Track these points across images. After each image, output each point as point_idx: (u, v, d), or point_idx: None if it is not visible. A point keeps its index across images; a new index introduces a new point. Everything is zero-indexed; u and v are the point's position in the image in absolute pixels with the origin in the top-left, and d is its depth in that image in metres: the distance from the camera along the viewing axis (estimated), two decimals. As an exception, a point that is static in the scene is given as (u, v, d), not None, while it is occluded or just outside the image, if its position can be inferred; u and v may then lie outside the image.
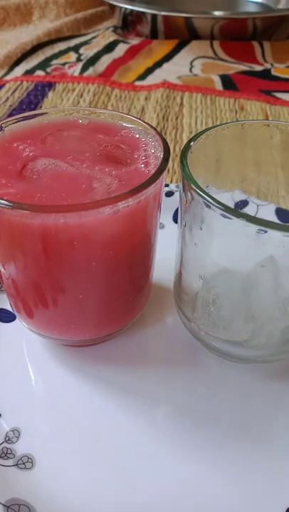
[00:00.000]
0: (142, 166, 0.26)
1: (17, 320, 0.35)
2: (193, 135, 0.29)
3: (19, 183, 0.25)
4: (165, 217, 0.45)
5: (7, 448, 0.28)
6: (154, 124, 0.63)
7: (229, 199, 0.36)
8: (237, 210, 0.22)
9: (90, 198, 0.23)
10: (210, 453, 0.29)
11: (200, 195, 0.23)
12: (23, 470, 0.27)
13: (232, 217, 0.22)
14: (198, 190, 0.23)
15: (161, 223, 0.45)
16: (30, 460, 0.28)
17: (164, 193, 0.46)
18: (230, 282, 0.28)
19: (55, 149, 0.27)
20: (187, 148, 0.27)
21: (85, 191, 0.24)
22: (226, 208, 0.22)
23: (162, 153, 0.26)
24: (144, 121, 0.29)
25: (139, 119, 0.29)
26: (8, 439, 0.29)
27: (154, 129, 0.28)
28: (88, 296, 0.28)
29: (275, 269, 0.25)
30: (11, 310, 0.34)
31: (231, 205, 0.36)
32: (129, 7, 0.90)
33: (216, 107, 0.68)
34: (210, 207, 0.23)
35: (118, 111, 0.31)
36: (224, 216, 0.22)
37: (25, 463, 0.27)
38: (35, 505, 0.25)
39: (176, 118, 0.65)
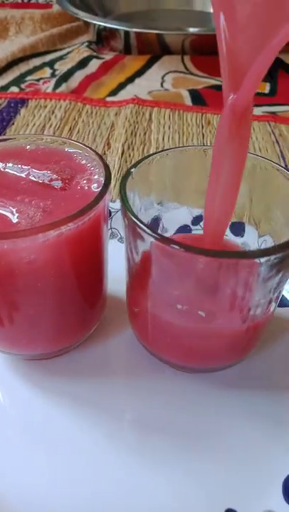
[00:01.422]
0: (85, 190, 0.28)
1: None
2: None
3: None
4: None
5: None
6: (122, 140, 0.65)
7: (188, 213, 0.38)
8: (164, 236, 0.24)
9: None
10: (161, 458, 0.30)
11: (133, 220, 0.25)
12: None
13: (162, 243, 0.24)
14: (131, 216, 0.25)
15: (123, 237, 0.48)
16: (-15, 471, 0.29)
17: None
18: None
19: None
20: (127, 174, 0.29)
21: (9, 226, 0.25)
22: (155, 233, 0.24)
23: (103, 180, 0.28)
24: (89, 148, 0.31)
25: (85, 145, 0.31)
26: None
27: (98, 154, 0.30)
28: (38, 314, 0.30)
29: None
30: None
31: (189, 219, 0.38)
32: (102, 24, 0.92)
33: (183, 122, 0.71)
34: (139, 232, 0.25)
35: (76, 127, 0.33)
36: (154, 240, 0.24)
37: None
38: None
39: (145, 133, 0.68)
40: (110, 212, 0.47)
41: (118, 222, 0.46)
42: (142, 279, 0.30)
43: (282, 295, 0.39)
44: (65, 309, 0.30)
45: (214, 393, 0.34)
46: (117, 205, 0.48)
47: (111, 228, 0.47)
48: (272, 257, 0.24)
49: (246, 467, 0.30)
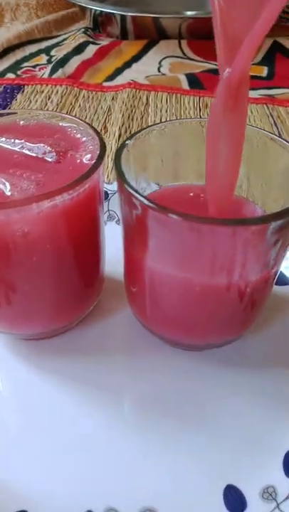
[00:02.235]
0: (80, 163, 0.28)
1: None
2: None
3: None
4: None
5: None
6: (119, 124, 0.65)
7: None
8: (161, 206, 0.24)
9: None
10: (160, 435, 0.30)
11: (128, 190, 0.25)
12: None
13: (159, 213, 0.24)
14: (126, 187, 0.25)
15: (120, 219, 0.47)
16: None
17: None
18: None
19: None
20: (122, 146, 0.28)
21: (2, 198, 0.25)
22: (150, 202, 0.24)
23: (98, 152, 0.28)
24: (84, 121, 0.31)
25: (80, 119, 0.31)
26: None
27: (92, 127, 0.30)
28: (34, 290, 0.29)
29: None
30: None
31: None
32: (98, 8, 0.91)
33: (180, 105, 0.70)
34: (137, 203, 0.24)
35: (72, 112, 0.32)
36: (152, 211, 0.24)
37: (-21, 453, 0.29)
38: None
39: (142, 117, 0.67)
40: (107, 194, 0.47)
41: (115, 205, 0.46)
42: (139, 254, 0.29)
43: (281, 272, 0.39)
44: (61, 286, 0.30)
45: (212, 370, 0.34)
46: (114, 186, 0.47)
47: (108, 210, 0.46)
48: (271, 225, 0.23)
49: (245, 443, 0.30)
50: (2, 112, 0.32)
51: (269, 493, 0.27)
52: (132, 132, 0.63)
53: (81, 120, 0.31)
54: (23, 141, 0.29)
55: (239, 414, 0.31)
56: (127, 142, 0.29)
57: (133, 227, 0.28)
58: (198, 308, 0.31)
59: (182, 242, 0.26)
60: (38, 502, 0.27)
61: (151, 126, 0.31)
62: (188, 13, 0.88)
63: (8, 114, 0.32)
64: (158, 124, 0.32)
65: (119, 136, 0.62)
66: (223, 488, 0.28)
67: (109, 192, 0.47)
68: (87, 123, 0.31)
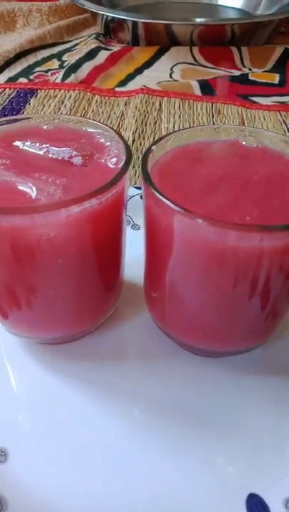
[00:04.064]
0: (106, 167, 0.28)
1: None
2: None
3: None
4: (140, 218, 0.46)
5: (-19, 442, 0.29)
6: (132, 129, 0.65)
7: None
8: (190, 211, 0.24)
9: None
10: (181, 443, 0.30)
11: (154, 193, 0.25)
12: (-3, 463, 0.28)
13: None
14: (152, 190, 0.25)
15: (136, 225, 0.47)
16: (3, 453, 0.29)
17: (139, 196, 0.48)
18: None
19: (12, 158, 0.28)
20: (148, 151, 0.28)
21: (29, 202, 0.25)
22: (180, 207, 0.24)
23: (124, 157, 0.28)
24: (110, 127, 0.31)
25: (106, 124, 0.31)
26: (-17, 434, 0.30)
27: (118, 133, 0.30)
28: (58, 294, 0.29)
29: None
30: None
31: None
32: (110, 14, 0.92)
33: (193, 111, 0.70)
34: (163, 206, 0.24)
35: (85, 116, 0.32)
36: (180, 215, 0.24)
37: (-1, 456, 0.29)
38: (6, 496, 0.26)
39: (155, 123, 0.67)
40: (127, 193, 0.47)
41: (131, 209, 0.46)
42: (162, 259, 0.29)
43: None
44: (84, 289, 0.30)
45: (232, 378, 0.34)
46: (130, 191, 0.47)
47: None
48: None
49: (268, 452, 0.30)
50: (27, 116, 0.32)
51: (292, 503, 0.27)
52: (146, 137, 0.63)
53: (105, 125, 0.31)
54: (48, 145, 0.29)
55: (260, 423, 0.31)
56: (152, 147, 0.29)
57: (157, 231, 0.28)
58: (220, 315, 0.30)
59: (209, 247, 0.25)
60: (61, 507, 0.26)
61: (173, 132, 0.31)
62: (200, 20, 0.89)
63: (26, 118, 0.32)
64: (179, 130, 0.32)
65: (133, 141, 0.62)
66: (245, 497, 0.27)
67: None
68: (111, 127, 0.31)
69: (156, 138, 0.63)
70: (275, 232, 0.24)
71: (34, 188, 0.26)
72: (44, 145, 0.29)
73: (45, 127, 0.32)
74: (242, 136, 0.32)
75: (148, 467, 0.29)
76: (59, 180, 0.26)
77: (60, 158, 0.28)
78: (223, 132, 0.33)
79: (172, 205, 0.24)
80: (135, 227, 0.46)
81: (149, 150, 0.28)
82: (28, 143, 0.30)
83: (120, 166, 0.27)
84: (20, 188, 0.26)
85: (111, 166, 0.28)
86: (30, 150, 0.29)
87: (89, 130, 0.32)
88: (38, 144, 0.29)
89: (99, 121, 0.31)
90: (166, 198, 0.25)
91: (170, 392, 0.33)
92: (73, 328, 0.33)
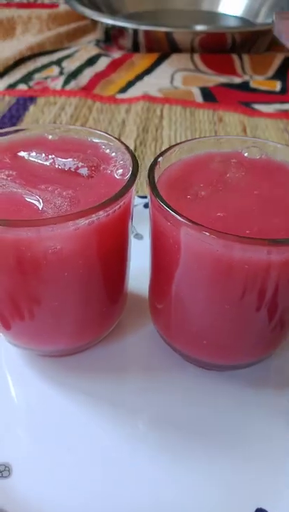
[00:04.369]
0: (112, 178, 0.28)
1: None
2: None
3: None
4: (143, 228, 0.46)
5: (-16, 458, 0.29)
6: (134, 137, 0.65)
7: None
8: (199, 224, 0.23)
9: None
10: (185, 458, 0.29)
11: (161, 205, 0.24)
12: (0, 478, 0.28)
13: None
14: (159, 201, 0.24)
15: (139, 234, 0.47)
16: (7, 469, 0.28)
17: (142, 205, 0.48)
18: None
19: (18, 169, 0.28)
20: (154, 164, 0.28)
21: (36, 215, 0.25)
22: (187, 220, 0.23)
23: (131, 169, 0.27)
24: (115, 138, 0.30)
25: (111, 135, 0.31)
26: (-15, 449, 0.29)
27: (124, 144, 0.29)
28: (62, 306, 0.29)
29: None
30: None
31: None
32: (111, 22, 0.92)
33: (195, 118, 0.70)
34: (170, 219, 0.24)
35: (91, 127, 0.32)
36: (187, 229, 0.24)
37: (2, 471, 0.28)
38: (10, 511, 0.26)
39: (156, 130, 0.67)
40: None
41: (134, 218, 0.46)
42: (168, 270, 0.29)
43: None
44: (88, 303, 0.30)
45: (237, 391, 0.33)
46: (135, 200, 0.47)
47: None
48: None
49: (274, 466, 0.29)
50: (32, 126, 0.32)
51: (300, 518, 0.27)
52: (147, 145, 0.63)
53: (110, 135, 0.31)
54: (53, 155, 0.29)
55: (265, 437, 0.31)
56: (159, 159, 0.28)
57: (164, 242, 0.28)
58: (226, 327, 0.30)
59: (215, 259, 0.25)
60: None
61: (179, 143, 0.31)
62: (200, 27, 0.89)
63: (30, 128, 0.32)
64: (185, 141, 0.32)
65: (135, 148, 0.62)
66: (253, 511, 0.27)
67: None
68: (116, 138, 0.30)
69: (158, 145, 0.64)
70: (283, 245, 0.24)
71: (41, 200, 0.25)
72: (50, 155, 0.29)
73: (50, 137, 0.32)
74: (245, 147, 0.32)
75: (151, 482, 0.28)
76: (65, 191, 0.26)
77: (66, 169, 0.28)
78: (227, 143, 0.33)
79: (180, 218, 0.24)
80: (138, 236, 0.46)
81: (155, 162, 0.28)
82: (34, 153, 0.29)
83: (127, 177, 0.27)
84: (26, 199, 0.25)
85: (117, 177, 0.28)
86: (36, 161, 0.29)
87: (94, 140, 0.31)
88: (43, 155, 0.29)
89: (105, 132, 0.31)
90: (174, 211, 0.24)
91: (174, 406, 0.32)
92: (76, 341, 0.32)
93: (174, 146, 0.31)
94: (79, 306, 0.29)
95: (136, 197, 0.48)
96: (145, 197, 0.48)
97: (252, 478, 0.28)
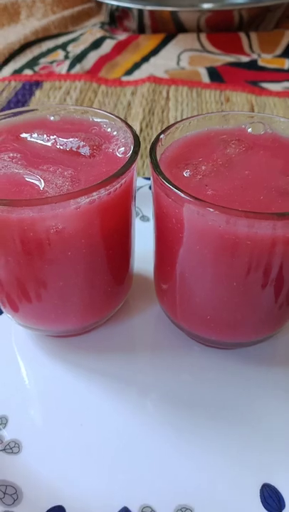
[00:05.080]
0: (114, 157, 0.27)
1: (4, 314, 0.36)
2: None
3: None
4: (149, 210, 0.46)
5: (-5, 434, 0.29)
6: (140, 119, 0.64)
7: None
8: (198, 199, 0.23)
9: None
10: (194, 434, 0.30)
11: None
12: (11, 454, 0.28)
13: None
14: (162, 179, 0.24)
15: (145, 216, 0.47)
16: (17, 445, 0.29)
17: (148, 187, 0.48)
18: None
19: (20, 150, 0.28)
20: (156, 141, 0.28)
21: (37, 194, 0.25)
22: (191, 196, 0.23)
23: (132, 147, 0.27)
24: (117, 116, 0.30)
25: (112, 113, 0.30)
26: (-4, 427, 0.30)
27: (126, 122, 0.29)
28: (68, 286, 0.29)
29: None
30: (-2, 304, 0.36)
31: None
32: (115, 3, 0.90)
33: (201, 99, 0.69)
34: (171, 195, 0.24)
35: (92, 106, 0.32)
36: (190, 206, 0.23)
37: (13, 448, 0.29)
38: (21, 486, 0.27)
39: (162, 112, 0.66)
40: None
41: (140, 200, 0.45)
42: (173, 250, 0.29)
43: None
44: (94, 282, 0.30)
45: (244, 369, 0.33)
46: (139, 182, 0.47)
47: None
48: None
49: (281, 442, 0.29)
50: (33, 107, 0.31)
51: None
52: (153, 127, 0.62)
53: (111, 114, 0.31)
54: (55, 136, 0.29)
55: (272, 413, 0.31)
56: (161, 136, 0.28)
57: (167, 221, 0.28)
58: (232, 305, 0.30)
59: (220, 235, 0.25)
60: (74, 498, 0.26)
61: (181, 121, 0.31)
62: (207, 5, 0.87)
63: (32, 110, 0.32)
64: (186, 119, 0.31)
65: (141, 130, 0.62)
66: (259, 486, 0.27)
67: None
68: (117, 117, 0.30)
69: (164, 127, 0.63)
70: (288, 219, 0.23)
71: (42, 180, 0.25)
72: (51, 136, 0.29)
73: (52, 118, 0.31)
74: (250, 122, 0.32)
75: (159, 457, 0.28)
76: (67, 171, 0.26)
77: (68, 149, 0.28)
78: (232, 119, 0.32)
79: (182, 194, 0.24)
80: (144, 218, 0.46)
81: (157, 139, 0.28)
82: (36, 134, 0.29)
83: (128, 155, 0.27)
84: (28, 179, 0.25)
85: (119, 155, 0.28)
86: (38, 141, 0.29)
87: (96, 120, 0.31)
88: (45, 135, 0.29)
89: (105, 111, 0.31)
90: (175, 187, 0.24)
91: (181, 383, 0.32)
92: (83, 320, 0.33)
93: (176, 123, 0.30)
94: (84, 286, 0.30)
95: (141, 179, 0.48)
96: (149, 178, 0.48)
97: (258, 454, 0.29)
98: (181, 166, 0.27)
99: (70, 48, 0.90)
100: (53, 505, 0.26)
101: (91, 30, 0.95)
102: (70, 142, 0.28)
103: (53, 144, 0.29)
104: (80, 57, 0.83)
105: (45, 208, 0.23)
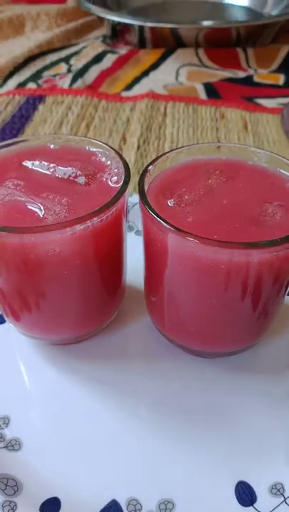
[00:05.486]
0: (107, 186, 0.31)
1: (7, 322, 0.39)
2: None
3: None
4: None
5: (-2, 433, 0.33)
6: (137, 135, 0.67)
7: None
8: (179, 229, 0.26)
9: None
10: (178, 436, 0.33)
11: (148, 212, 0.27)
12: (12, 451, 0.32)
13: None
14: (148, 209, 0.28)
15: (140, 231, 0.50)
16: (18, 443, 0.32)
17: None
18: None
19: (23, 178, 0.31)
20: (144, 171, 0.31)
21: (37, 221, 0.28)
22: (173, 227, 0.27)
23: (123, 177, 0.30)
24: (110, 147, 0.33)
25: (106, 143, 0.34)
26: (-1, 426, 0.33)
27: (118, 153, 0.32)
28: (64, 300, 0.32)
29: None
30: (1, 313, 0.39)
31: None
32: (116, 19, 0.93)
33: (197, 115, 0.72)
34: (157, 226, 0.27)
35: (89, 137, 0.35)
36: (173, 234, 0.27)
37: (14, 445, 0.32)
38: (20, 479, 0.30)
39: (160, 128, 0.69)
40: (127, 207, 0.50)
41: (135, 216, 0.49)
42: (159, 269, 0.32)
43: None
44: (88, 296, 0.33)
45: (225, 376, 0.36)
46: (134, 199, 0.50)
47: (128, 222, 0.49)
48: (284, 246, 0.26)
49: (256, 444, 0.32)
50: (32, 137, 0.35)
51: (277, 489, 0.30)
52: (150, 143, 0.66)
53: (106, 144, 0.34)
54: (54, 164, 0.32)
55: (249, 417, 0.34)
56: (149, 168, 0.31)
57: (154, 245, 0.31)
58: (214, 319, 0.33)
59: (199, 261, 0.28)
60: (68, 490, 0.30)
61: (168, 152, 0.34)
62: (206, 23, 0.90)
63: (31, 139, 0.35)
64: (174, 150, 0.34)
65: (138, 147, 0.65)
66: (235, 483, 0.30)
67: (129, 204, 0.49)
68: (111, 147, 0.33)
69: (160, 143, 0.66)
70: (260, 247, 0.26)
71: (42, 207, 0.29)
72: (51, 164, 0.32)
73: (52, 146, 0.35)
74: (235, 152, 0.35)
75: (146, 455, 0.32)
76: (64, 199, 0.29)
77: (66, 178, 0.31)
78: (218, 150, 0.35)
79: (165, 224, 0.27)
80: (139, 233, 0.49)
81: (145, 170, 0.31)
82: (37, 162, 0.32)
83: (120, 185, 0.30)
84: (29, 207, 0.29)
85: (112, 184, 0.31)
86: (39, 170, 0.32)
87: (92, 149, 0.34)
88: (45, 163, 0.32)
89: (100, 141, 0.34)
90: (160, 218, 0.27)
91: (170, 389, 0.36)
92: (79, 330, 0.36)
93: (166, 153, 0.33)
94: (79, 300, 0.33)
95: (135, 195, 0.51)
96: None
97: (235, 454, 0.32)
98: (167, 194, 0.31)
99: (72, 61, 0.94)
100: (50, 496, 0.29)
101: (93, 44, 0.98)
102: (68, 171, 0.31)
103: (52, 172, 0.32)
104: (81, 72, 0.86)
105: (45, 234, 0.26)
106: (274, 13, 1.05)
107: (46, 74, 0.89)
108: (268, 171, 0.34)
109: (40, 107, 0.75)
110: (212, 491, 0.30)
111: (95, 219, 0.27)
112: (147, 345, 0.39)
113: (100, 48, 0.95)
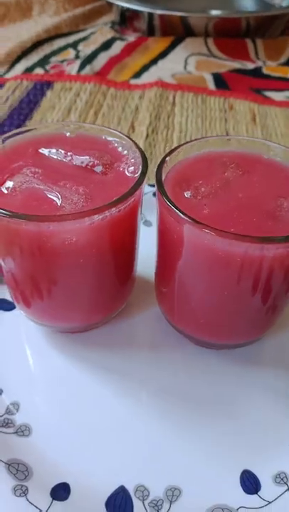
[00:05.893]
0: (124, 176, 0.31)
1: (16, 309, 0.39)
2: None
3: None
4: (152, 215, 0.49)
5: (8, 418, 0.33)
6: (146, 124, 0.67)
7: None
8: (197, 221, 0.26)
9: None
10: (185, 424, 0.33)
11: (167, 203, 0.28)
12: (22, 437, 0.32)
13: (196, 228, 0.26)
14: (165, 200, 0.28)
15: (148, 221, 0.50)
16: (27, 428, 0.32)
17: (151, 194, 0.51)
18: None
19: (40, 165, 0.31)
20: (162, 162, 0.31)
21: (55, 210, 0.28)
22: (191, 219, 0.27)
23: (141, 168, 0.30)
24: (127, 136, 0.33)
25: (123, 133, 0.33)
26: (9, 411, 0.33)
27: (135, 143, 0.32)
28: (77, 288, 0.32)
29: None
30: (11, 300, 0.39)
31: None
32: (126, 5, 0.92)
33: (206, 106, 0.72)
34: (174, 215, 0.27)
35: (105, 126, 0.35)
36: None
37: (24, 431, 0.32)
38: (31, 464, 0.30)
39: (168, 117, 0.69)
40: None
41: (144, 206, 0.48)
42: (173, 260, 0.32)
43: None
44: (100, 284, 0.33)
45: (232, 368, 0.37)
46: (144, 188, 0.50)
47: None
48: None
49: (260, 435, 0.33)
50: (53, 124, 0.34)
51: (281, 478, 0.31)
52: (159, 132, 0.65)
53: (122, 134, 0.34)
54: (71, 153, 0.32)
55: (255, 409, 0.34)
56: (166, 159, 0.31)
57: (168, 235, 0.31)
58: (224, 310, 0.33)
59: (215, 253, 0.28)
60: (77, 476, 0.30)
61: (186, 143, 0.34)
62: (216, 12, 0.89)
63: (50, 126, 0.35)
64: (191, 141, 0.34)
65: (147, 136, 0.64)
66: (240, 472, 0.31)
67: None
68: (128, 136, 0.33)
69: (169, 132, 0.66)
70: (273, 243, 0.27)
71: (60, 196, 0.29)
72: (68, 152, 0.32)
73: (68, 134, 0.35)
74: (250, 146, 0.35)
75: (153, 443, 0.32)
76: (82, 188, 0.29)
77: (83, 166, 0.31)
78: (234, 143, 0.35)
79: (182, 215, 0.27)
80: (147, 223, 0.49)
81: (163, 160, 0.31)
82: (54, 150, 0.32)
83: (137, 175, 0.30)
84: (47, 195, 0.29)
85: (128, 174, 0.31)
86: (56, 157, 0.32)
87: (108, 138, 0.34)
88: (62, 152, 0.32)
89: (117, 130, 0.34)
90: (177, 208, 0.27)
91: (177, 379, 0.36)
92: (89, 318, 0.36)
93: (181, 145, 0.33)
94: (92, 288, 0.33)
95: (146, 185, 0.51)
96: (154, 185, 0.51)
97: (240, 444, 0.32)
98: (183, 186, 0.31)
99: (80, 47, 0.92)
100: (59, 481, 0.30)
101: (102, 30, 0.97)
102: (85, 159, 0.31)
103: (69, 160, 0.32)
104: (90, 58, 0.85)
105: (63, 223, 0.27)
106: (285, 4, 1.04)
107: (54, 59, 0.88)
108: (283, 165, 0.34)
109: (48, 93, 0.74)
110: (218, 479, 0.31)
111: (113, 209, 0.27)
112: (155, 335, 0.39)
113: (108, 34, 0.94)
